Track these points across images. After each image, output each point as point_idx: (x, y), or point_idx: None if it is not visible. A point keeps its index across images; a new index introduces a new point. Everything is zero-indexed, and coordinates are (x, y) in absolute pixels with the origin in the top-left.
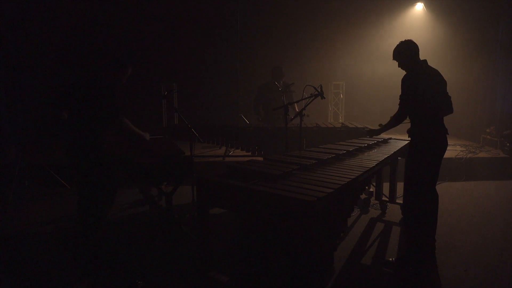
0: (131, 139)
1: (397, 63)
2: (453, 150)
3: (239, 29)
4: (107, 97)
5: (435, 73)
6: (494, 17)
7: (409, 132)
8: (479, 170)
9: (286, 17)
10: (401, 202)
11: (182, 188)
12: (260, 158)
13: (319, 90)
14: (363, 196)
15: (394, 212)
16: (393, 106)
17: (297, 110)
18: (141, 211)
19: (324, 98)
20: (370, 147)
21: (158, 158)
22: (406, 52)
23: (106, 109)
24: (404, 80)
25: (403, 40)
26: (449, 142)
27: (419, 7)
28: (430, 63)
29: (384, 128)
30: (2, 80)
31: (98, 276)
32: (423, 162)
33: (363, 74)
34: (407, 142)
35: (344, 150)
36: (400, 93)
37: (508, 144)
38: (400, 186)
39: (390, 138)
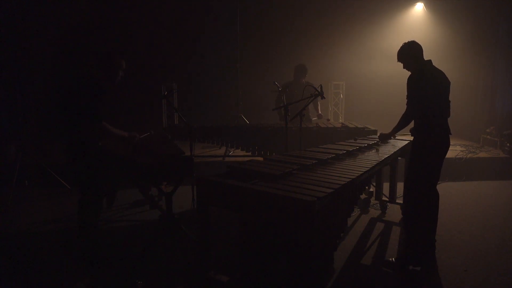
0: (120, 140)
1: (402, 64)
2: (453, 150)
3: (239, 29)
4: (88, 100)
5: (439, 74)
6: (494, 17)
7: (412, 132)
8: (479, 170)
9: (286, 17)
10: (401, 202)
11: (182, 188)
12: (260, 158)
13: (319, 90)
14: (363, 196)
15: (394, 212)
16: (393, 106)
17: (319, 112)
18: (141, 211)
19: (324, 98)
20: (370, 147)
21: (158, 158)
22: (410, 53)
23: (86, 113)
24: (409, 81)
25: (406, 41)
26: (450, 142)
27: (419, 7)
28: None
29: (395, 130)
30: (2, 80)
31: (98, 276)
32: (425, 162)
33: (363, 74)
34: (407, 142)
35: (344, 150)
36: (404, 93)
37: (508, 144)
38: (400, 186)
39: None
